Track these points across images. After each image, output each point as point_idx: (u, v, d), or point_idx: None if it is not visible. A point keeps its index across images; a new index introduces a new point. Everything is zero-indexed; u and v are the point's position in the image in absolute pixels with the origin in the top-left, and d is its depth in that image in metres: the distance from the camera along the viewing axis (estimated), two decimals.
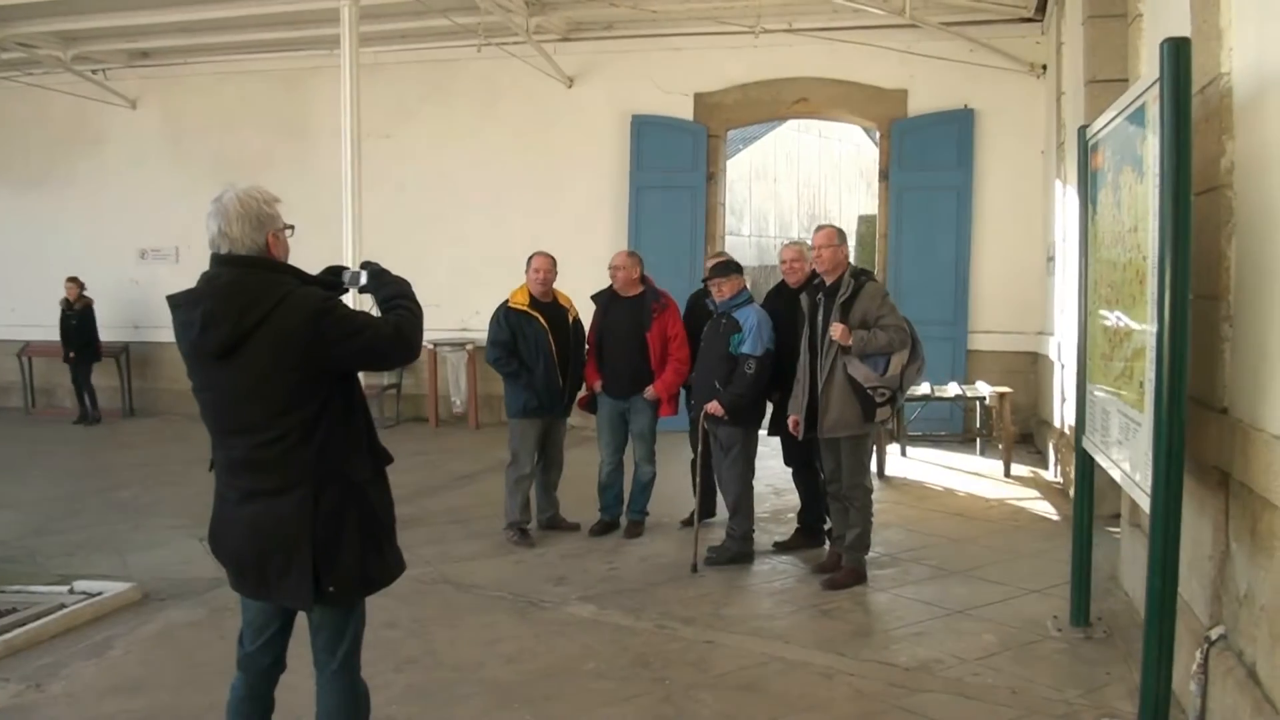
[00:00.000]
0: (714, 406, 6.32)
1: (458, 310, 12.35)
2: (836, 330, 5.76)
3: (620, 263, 7.08)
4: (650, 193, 12.03)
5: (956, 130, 11.28)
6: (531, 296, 6.94)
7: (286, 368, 2.94)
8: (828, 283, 5.99)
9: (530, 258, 7.05)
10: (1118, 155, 4.27)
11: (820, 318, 5.93)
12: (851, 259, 6.17)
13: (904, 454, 10.19)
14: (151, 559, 6.71)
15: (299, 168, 12.45)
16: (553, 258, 7.05)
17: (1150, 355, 3.50)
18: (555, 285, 7.08)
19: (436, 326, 12.30)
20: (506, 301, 6.97)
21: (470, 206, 12.59)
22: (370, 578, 3.14)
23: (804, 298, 6.11)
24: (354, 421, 3.13)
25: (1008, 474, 9.21)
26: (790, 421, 6.19)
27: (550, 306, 6.98)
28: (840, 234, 6.09)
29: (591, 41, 12.23)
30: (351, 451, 3.09)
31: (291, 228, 3.14)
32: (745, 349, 6.28)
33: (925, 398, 9.55)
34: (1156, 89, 3.43)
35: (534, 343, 6.86)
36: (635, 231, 11.96)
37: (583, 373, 7.13)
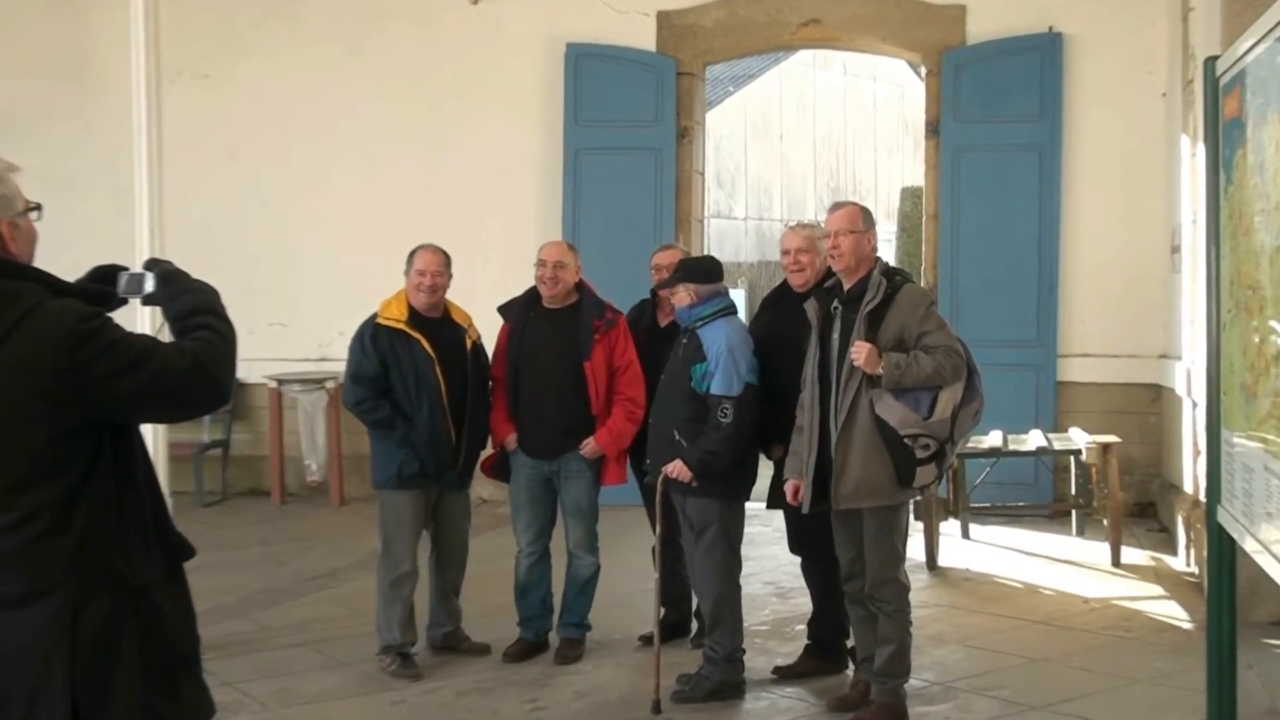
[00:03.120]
0: (676, 468, 6.29)
1: (314, 330, 12.33)
2: (861, 352, 5.75)
3: (555, 256, 7.07)
4: (594, 157, 12.07)
5: (1038, 64, 11.41)
6: (411, 310, 6.95)
7: (29, 419, 2.93)
8: (846, 285, 6.02)
9: (411, 254, 7.05)
10: (1261, 98, 4.32)
11: (836, 335, 5.95)
12: (891, 250, 6.19)
13: (966, 535, 10.24)
14: None
15: (80, 126, 12.41)
16: (445, 254, 7.06)
17: None
18: (449, 295, 7.10)
19: (282, 355, 12.31)
20: (374, 317, 6.98)
21: (332, 180, 12.56)
22: None
23: (810, 306, 6.13)
24: (133, 497, 3.12)
25: (1117, 562, 9.27)
26: (789, 487, 6.20)
27: (438, 324, 7.00)
28: (866, 215, 6.13)
29: None
30: (130, 541, 3.08)
31: (38, 208, 3.13)
32: (715, 388, 6.26)
33: (995, 452, 9.58)
34: None
35: (414, 377, 6.86)
36: (572, 214, 12.00)
37: (487, 422, 7.13)
